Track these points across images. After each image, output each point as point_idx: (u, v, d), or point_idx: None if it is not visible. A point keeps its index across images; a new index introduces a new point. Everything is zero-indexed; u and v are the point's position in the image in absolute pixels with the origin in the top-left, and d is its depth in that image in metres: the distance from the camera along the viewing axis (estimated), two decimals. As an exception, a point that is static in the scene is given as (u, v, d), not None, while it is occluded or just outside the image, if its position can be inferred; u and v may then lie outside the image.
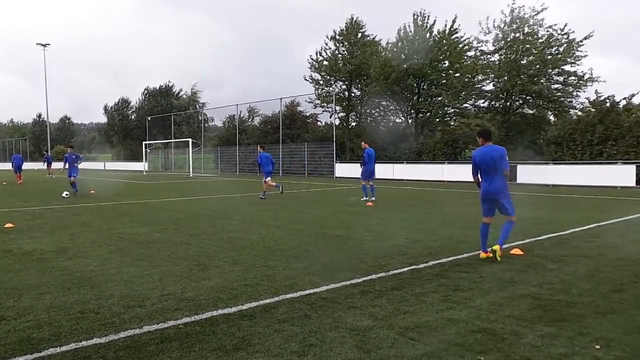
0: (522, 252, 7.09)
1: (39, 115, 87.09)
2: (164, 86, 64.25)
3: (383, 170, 30.56)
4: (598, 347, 3.65)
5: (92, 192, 19.71)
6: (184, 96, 62.57)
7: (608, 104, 25.74)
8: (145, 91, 64.90)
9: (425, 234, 8.97)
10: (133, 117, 67.11)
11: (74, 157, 18.55)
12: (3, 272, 6.11)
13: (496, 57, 31.65)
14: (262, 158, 16.88)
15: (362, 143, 16.37)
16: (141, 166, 48.20)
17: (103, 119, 74.00)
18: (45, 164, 38.39)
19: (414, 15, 33.61)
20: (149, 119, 54.65)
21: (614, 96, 26.00)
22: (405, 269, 6.16)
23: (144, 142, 48.30)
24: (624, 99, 26.37)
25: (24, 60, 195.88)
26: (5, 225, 9.93)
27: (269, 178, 16.79)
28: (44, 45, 60.60)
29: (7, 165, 42.04)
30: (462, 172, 28.00)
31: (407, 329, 4.02)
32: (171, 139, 51.26)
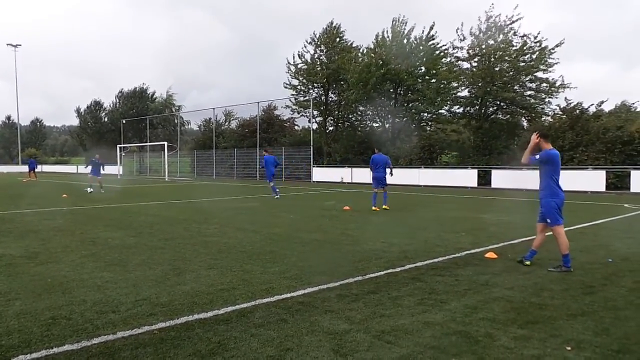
0: (496, 256, 7.22)
1: (9, 118, 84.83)
2: (138, 89, 63.25)
3: (360, 175, 30.78)
4: (569, 348, 3.73)
5: (64, 196, 19.30)
6: (160, 99, 61.81)
7: (578, 111, 26.44)
8: (120, 93, 63.74)
9: (401, 237, 9.05)
10: (106, 119, 65.71)
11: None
12: (-30, 278, 5.92)
13: (472, 63, 32.21)
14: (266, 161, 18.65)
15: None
16: (115, 170, 47.35)
17: (77, 122, 72.40)
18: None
19: (392, 20, 33.96)
20: (124, 122, 53.75)
21: (582, 103, 26.79)
22: (382, 273, 6.20)
23: (118, 146, 47.35)
24: (592, 105, 27.18)
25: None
26: (-27, 230, 9.64)
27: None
28: (15, 46, 59.27)
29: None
30: (437, 177, 28.40)
31: (383, 332, 4.05)
32: (146, 142, 50.54)
